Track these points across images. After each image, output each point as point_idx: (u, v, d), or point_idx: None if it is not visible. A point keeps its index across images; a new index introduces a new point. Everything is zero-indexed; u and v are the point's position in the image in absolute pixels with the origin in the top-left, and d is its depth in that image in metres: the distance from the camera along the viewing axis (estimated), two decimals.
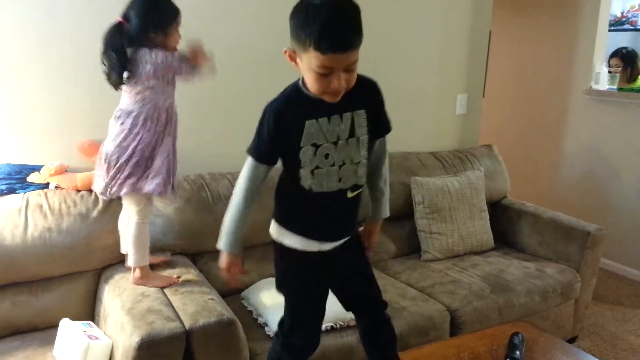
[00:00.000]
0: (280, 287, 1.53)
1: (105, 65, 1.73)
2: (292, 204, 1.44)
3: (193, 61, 1.76)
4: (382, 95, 1.42)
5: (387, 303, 1.59)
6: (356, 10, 1.24)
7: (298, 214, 1.44)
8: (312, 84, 1.27)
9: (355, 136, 1.36)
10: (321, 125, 1.32)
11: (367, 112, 1.37)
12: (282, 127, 1.32)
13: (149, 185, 1.76)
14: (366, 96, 1.38)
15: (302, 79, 1.32)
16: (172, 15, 1.74)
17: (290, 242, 1.44)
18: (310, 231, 1.43)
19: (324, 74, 1.23)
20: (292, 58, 1.28)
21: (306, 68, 1.25)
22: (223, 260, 1.46)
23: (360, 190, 1.44)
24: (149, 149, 1.76)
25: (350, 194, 1.40)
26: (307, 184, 1.36)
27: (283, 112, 1.32)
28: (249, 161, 1.41)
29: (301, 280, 1.50)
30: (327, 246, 1.46)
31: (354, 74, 1.27)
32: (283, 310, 1.54)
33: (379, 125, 1.43)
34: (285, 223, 1.45)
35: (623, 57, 3.68)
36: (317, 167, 1.35)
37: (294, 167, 1.36)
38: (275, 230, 1.48)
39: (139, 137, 1.74)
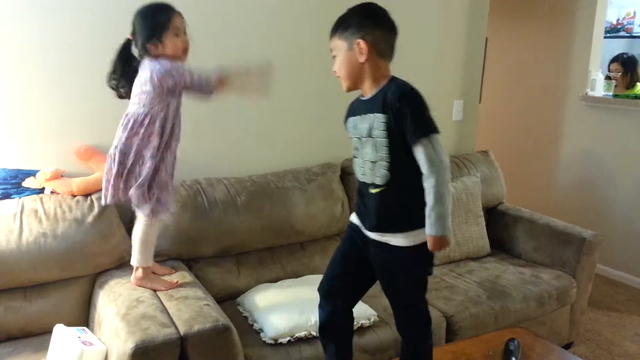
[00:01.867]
0: None
1: (113, 79, 1.77)
2: None
3: (216, 83, 1.72)
4: (405, 102, 1.43)
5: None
6: (353, 13, 1.52)
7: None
8: None
9: (371, 137, 1.48)
10: (355, 121, 1.55)
11: (387, 116, 1.44)
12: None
13: (131, 192, 1.73)
14: (389, 101, 1.45)
15: None
16: (163, 23, 1.71)
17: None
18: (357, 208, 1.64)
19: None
20: None
21: None
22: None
23: (382, 189, 1.49)
24: (136, 154, 1.73)
25: (372, 190, 1.52)
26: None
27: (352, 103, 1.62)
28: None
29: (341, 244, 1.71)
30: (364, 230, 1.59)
31: (337, 64, 1.53)
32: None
33: (406, 133, 1.43)
34: None
35: (624, 62, 3.70)
36: (354, 156, 1.60)
37: None
38: None
39: (127, 139, 1.73)
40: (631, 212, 3.33)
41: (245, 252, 2.27)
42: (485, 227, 2.71)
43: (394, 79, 1.53)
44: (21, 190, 1.96)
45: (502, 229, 2.82)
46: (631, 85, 3.67)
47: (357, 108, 1.57)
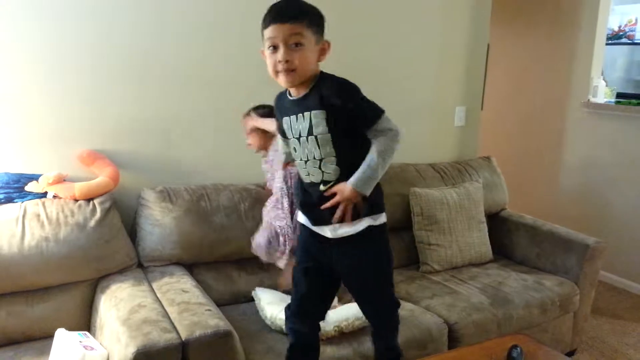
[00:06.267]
0: None
1: None
2: None
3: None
4: (345, 95, 1.41)
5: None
6: (314, 9, 1.43)
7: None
8: (268, 67, 1.42)
9: (313, 134, 1.44)
10: (289, 122, 1.49)
11: (326, 112, 1.41)
12: None
13: None
14: (325, 97, 1.41)
15: None
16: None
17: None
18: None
19: (273, 47, 1.39)
20: (263, 53, 1.45)
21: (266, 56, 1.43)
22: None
23: (333, 184, 1.47)
24: None
25: (322, 187, 1.49)
26: None
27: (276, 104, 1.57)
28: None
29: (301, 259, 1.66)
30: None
31: (299, 53, 1.38)
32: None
33: (358, 122, 1.44)
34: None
35: None
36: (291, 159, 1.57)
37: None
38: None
39: None
40: (634, 218, 3.32)
41: (247, 258, 2.26)
42: (487, 233, 2.70)
43: (322, 74, 1.47)
44: (24, 195, 1.96)
45: (504, 235, 2.81)
46: None
47: (288, 108, 1.49)
